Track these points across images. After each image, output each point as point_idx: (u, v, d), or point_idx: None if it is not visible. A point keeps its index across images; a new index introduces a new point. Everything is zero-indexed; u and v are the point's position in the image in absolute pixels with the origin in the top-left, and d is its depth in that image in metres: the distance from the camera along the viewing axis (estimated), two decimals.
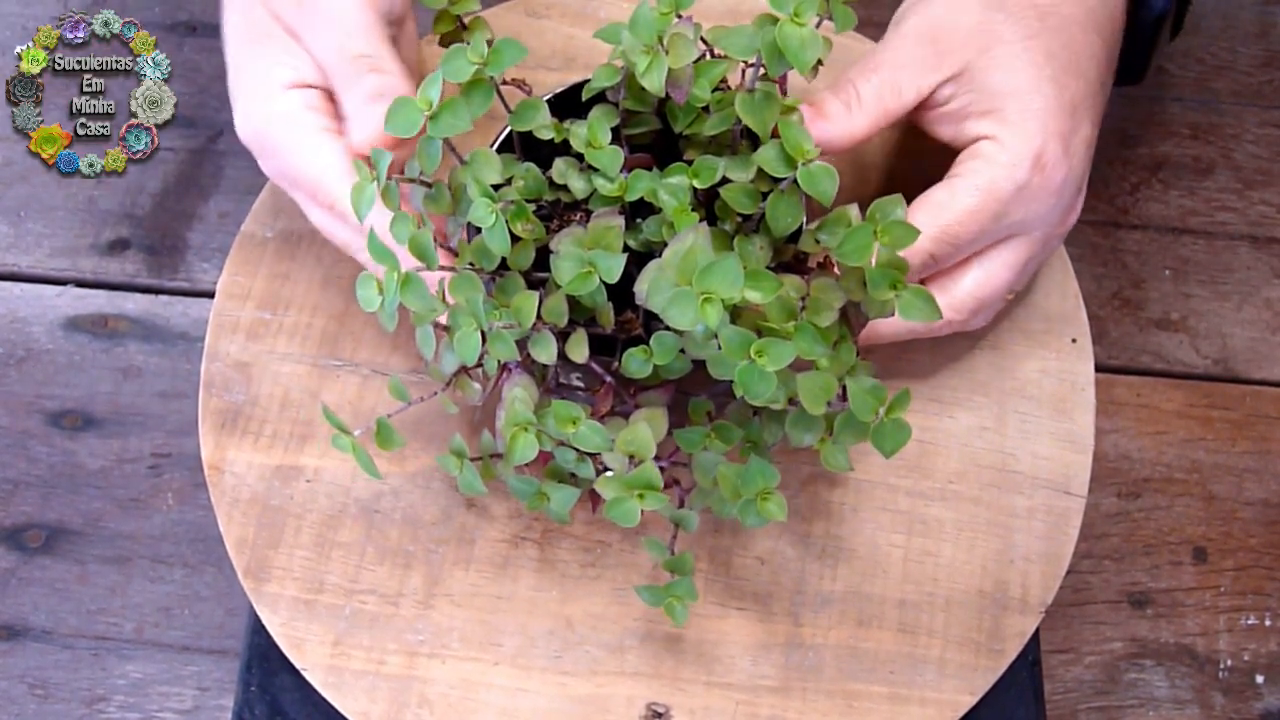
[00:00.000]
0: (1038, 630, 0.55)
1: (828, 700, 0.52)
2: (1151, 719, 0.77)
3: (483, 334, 0.45)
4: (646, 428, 0.44)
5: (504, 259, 0.46)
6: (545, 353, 0.45)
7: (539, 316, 0.44)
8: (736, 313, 0.42)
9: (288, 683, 0.55)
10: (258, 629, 0.54)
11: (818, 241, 0.47)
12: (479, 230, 0.46)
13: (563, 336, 0.45)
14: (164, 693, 0.77)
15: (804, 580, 0.54)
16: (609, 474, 0.45)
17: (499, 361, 0.46)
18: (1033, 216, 0.50)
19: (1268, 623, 0.79)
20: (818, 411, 0.43)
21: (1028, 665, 0.56)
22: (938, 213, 0.49)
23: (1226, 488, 0.82)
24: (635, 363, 0.45)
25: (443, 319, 0.47)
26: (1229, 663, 0.79)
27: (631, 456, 0.45)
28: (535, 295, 0.44)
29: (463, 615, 0.53)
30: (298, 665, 0.52)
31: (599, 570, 0.54)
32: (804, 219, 0.47)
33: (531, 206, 0.48)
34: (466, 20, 0.48)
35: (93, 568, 0.79)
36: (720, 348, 0.41)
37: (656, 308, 0.41)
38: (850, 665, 0.52)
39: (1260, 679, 0.78)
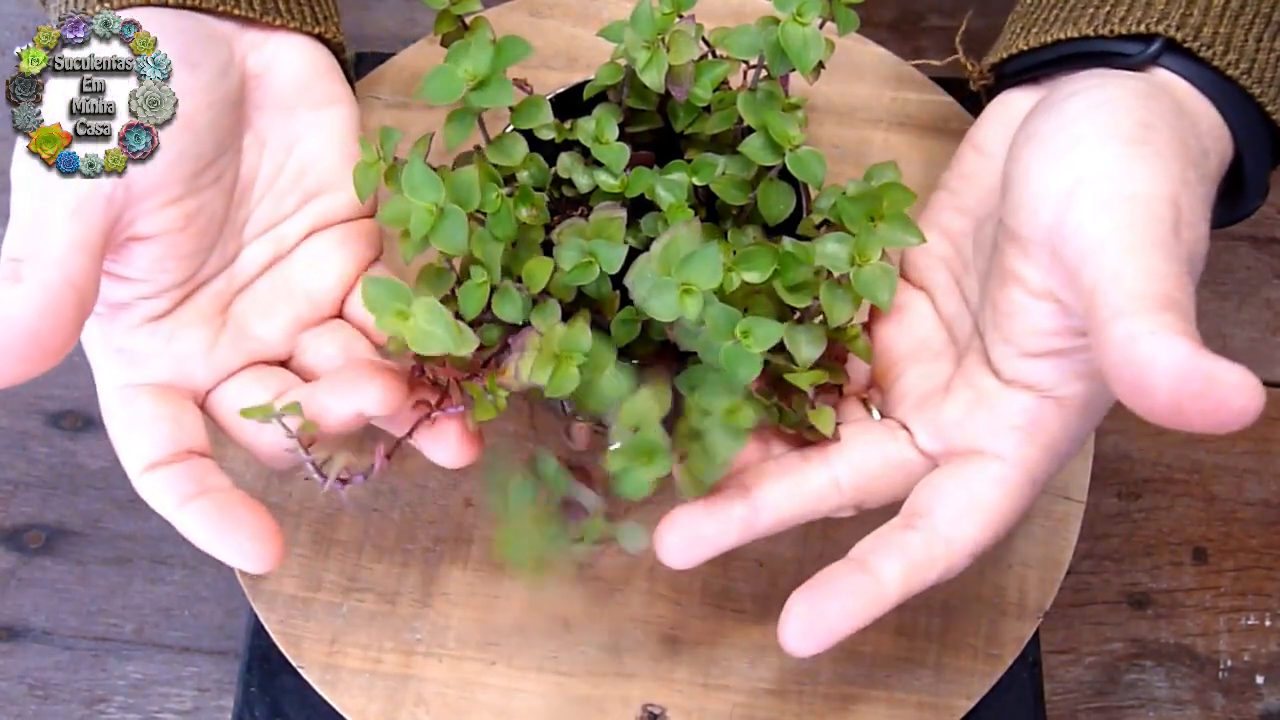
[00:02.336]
0: (1038, 632, 0.55)
1: (824, 703, 0.52)
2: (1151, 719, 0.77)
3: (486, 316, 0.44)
4: (649, 395, 0.43)
5: None
6: (549, 322, 0.44)
7: (546, 290, 0.44)
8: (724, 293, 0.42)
9: (288, 684, 0.55)
10: (258, 630, 0.54)
11: (818, 227, 0.47)
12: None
13: (565, 318, 0.45)
14: (164, 693, 0.77)
15: (802, 583, 0.53)
16: (615, 447, 0.43)
17: (503, 334, 0.46)
18: None
19: (1268, 623, 0.79)
20: (801, 304, 0.43)
21: (1028, 666, 0.56)
22: None
23: (1227, 488, 0.82)
24: (624, 327, 0.45)
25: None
26: (1229, 663, 0.78)
27: (636, 429, 0.44)
28: (549, 261, 0.44)
29: (460, 614, 0.53)
30: (294, 663, 0.52)
31: (597, 570, 0.54)
32: (799, 206, 0.47)
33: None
34: (468, 21, 0.48)
35: (93, 568, 0.79)
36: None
37: (639, 299, 0.41)
38: (847, 669, 0.52)
39: (1260, 679, 0.78)
